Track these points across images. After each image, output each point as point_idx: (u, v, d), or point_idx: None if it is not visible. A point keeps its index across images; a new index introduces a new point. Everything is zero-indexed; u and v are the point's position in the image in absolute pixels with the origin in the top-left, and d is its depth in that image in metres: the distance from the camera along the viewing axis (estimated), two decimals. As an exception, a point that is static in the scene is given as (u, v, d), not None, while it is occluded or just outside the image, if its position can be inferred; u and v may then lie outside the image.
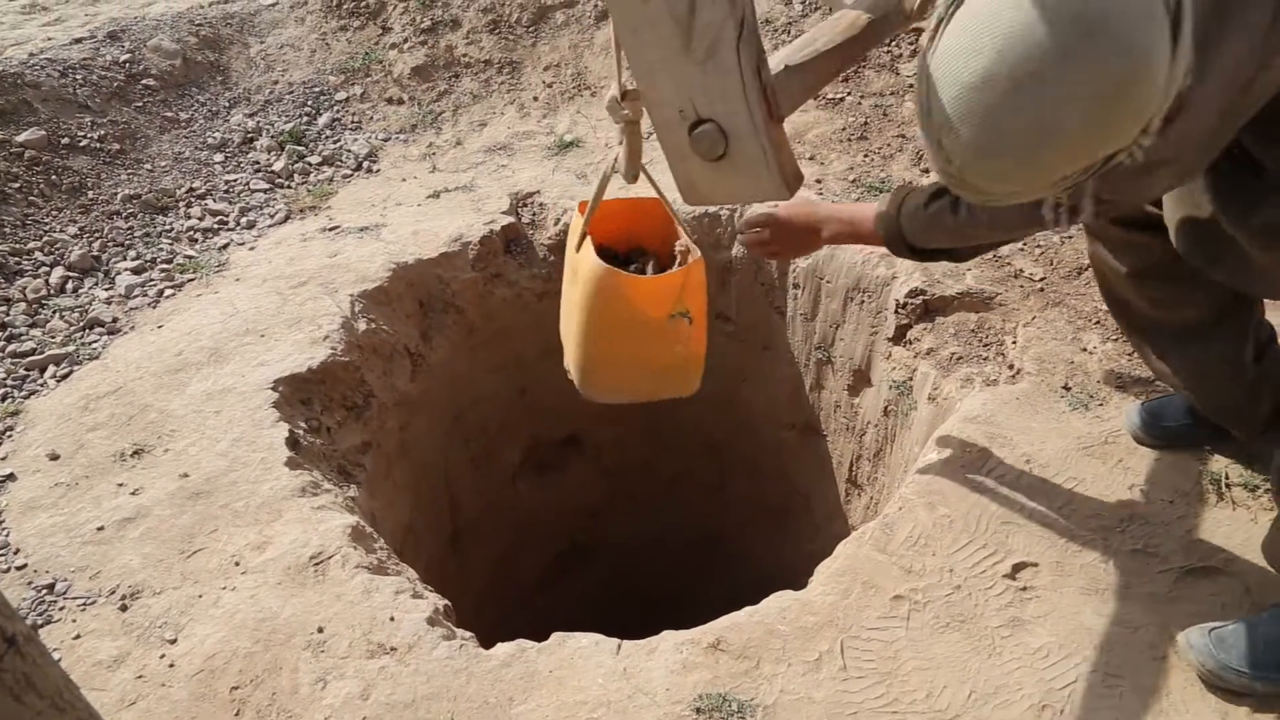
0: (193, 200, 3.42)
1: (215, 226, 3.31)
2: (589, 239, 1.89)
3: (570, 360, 2.09)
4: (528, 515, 3.51)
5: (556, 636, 1.76)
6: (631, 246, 2.15)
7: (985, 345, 2.35)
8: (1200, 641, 1.58)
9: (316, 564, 1.89)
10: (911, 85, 3.29)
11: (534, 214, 3.19)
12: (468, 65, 4.09)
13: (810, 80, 1.32)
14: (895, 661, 1.64)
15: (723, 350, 3.18)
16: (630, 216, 2.13)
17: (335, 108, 4.00)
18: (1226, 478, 1.89)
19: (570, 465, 3.56)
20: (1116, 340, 2.23)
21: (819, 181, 2.95)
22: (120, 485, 2.13)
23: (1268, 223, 1.34)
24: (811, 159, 3.07)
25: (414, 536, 2.73)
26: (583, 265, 1.92)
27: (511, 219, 3.12)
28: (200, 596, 1.84)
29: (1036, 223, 1.36)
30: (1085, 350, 2.23)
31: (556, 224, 3.13)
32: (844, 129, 3.16)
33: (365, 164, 3.71)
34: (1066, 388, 2.13)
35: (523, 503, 3.47)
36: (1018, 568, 1.78)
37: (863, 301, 2.65)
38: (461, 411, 3.07)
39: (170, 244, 3.15)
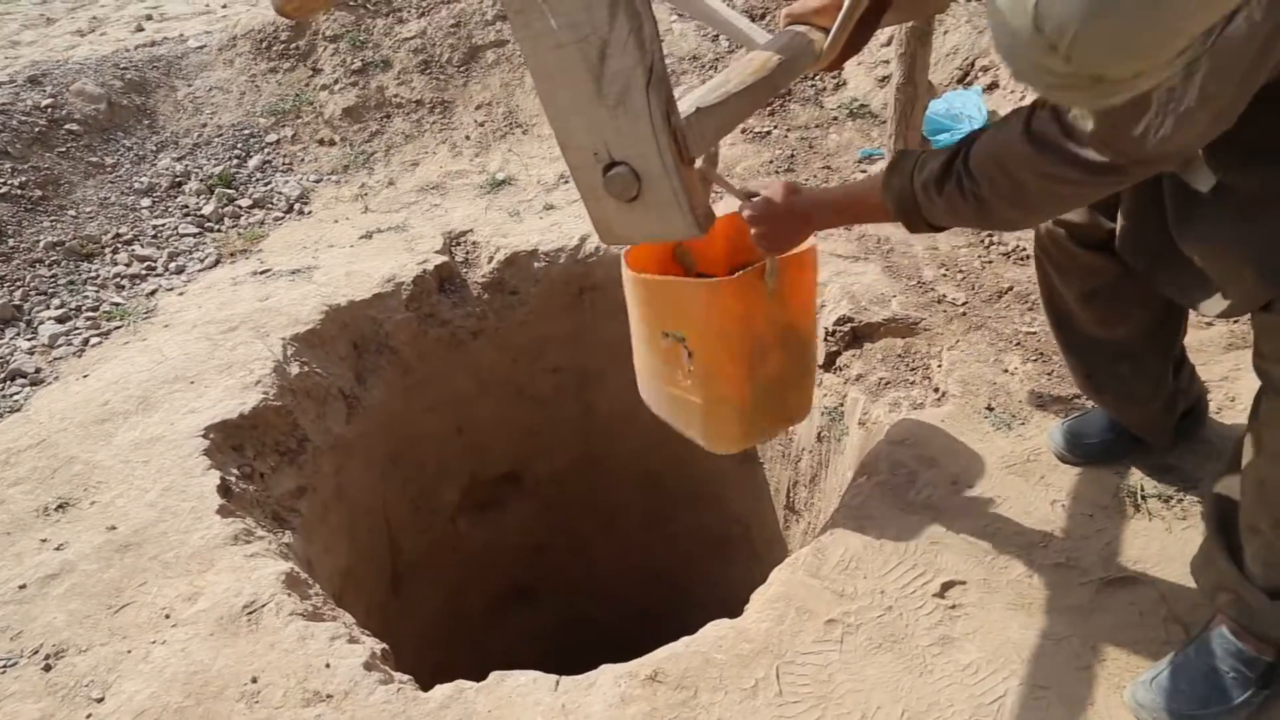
0: (119, 246, 3.37)
1: (143, 272, 3.27)
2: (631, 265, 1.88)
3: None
4: (469, 554, 3.49)
5: (495, 676, 1.76)
6: (733, 257, 2.09)
7: (912, 370, 2.41)
8: (1146, 697, 1.59)
9: (250, 613, 1.87)
10: (835, 118, 3.39)
11: (467, 253, 3.20)
12: (399, 105, 4.10)
13: (721, 122, 1.36)
14: (830, 685, 1.66)
15: (659, 382, 3.21)
16: (734, 232, 2.04)
17: (266, 150, 3.98)
18: (1142, 490, 1.96)
19: (510, 502, 3.56)
20: (1036, 361, 2.31)
21: (747, 214, 3.01)
22: (44, 541, 2.08)
23: (1205, 234, 1.40)
24: (740, 192, 3.13)
25: (353, 580, 2.70)
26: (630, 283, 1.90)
27: (445, 258, 3.13)
28: (129, 652, 1.81)
29: (1055, 201, 1.33)
30: (1007, 371, 2.29)
31: (490, 262, 3.15)
32: (771, 161, 3.23)
33: (297, 206, 3.69)
34: (990, 408, 2.19)
35: (464, 542, 3.45)
36: (946, 586, 1.82)
37: (793, 330, 2.70)
38: (398, 452, 3.06)
39: (96, 291, 3.10)
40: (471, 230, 3.25)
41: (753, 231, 1.75)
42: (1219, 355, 2.28)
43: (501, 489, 3.54)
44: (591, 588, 3.85)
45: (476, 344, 3.16)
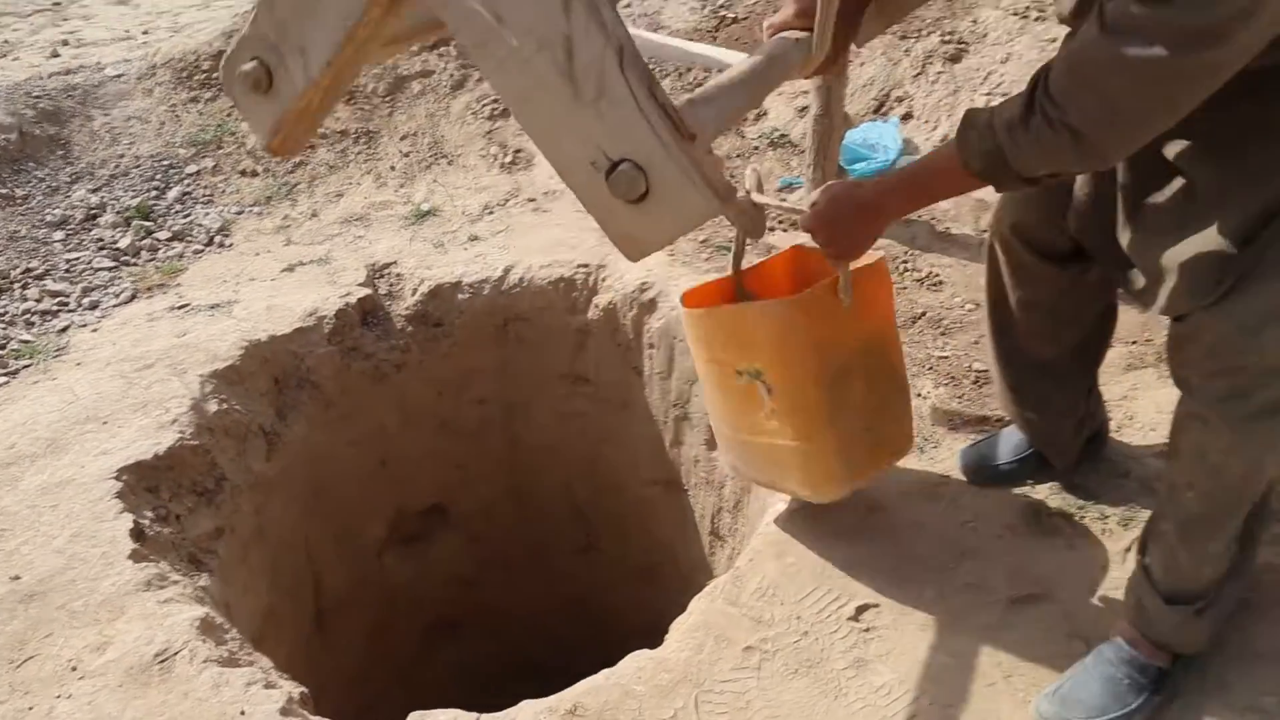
0: (29, 281, 3.29)
1: (54, 308, 3.19)
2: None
3: None
4: (396, 589, 3.45)
5: (414, 716, 1.74)
6: None
7: (829, 396, 2.45)
8: (1049, 709, 1.64)
9: (161, 661, 1.83)
10: (756, 147, 3.45)
11: (391, 285, 3.19)
12: (323, 136, 4.07)
13: (718, 110, 1.31)
14: (747, 712, 1.68)
15: (583, 411, 3.23)
16: (774, 275, 1.96)
17: (186, 181, 3.92)
18: (1046, 509, 2.02)
19: (437, 535, 3.53)
20: (948, 385, 2.37)
21: (671, 250, 3.05)
22: (-56, 591, 2.01)
23: (1144, 232, 1.46)
24: (662, 222, 3.17)
25: (275, 621, 2.65)
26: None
27: (368, 290, 3.12)
28: (31, 709, 1.75)
29: (1153, 105, 1.21)
30: (919, 395, 2.35)
31: (414, 294, 3.14)
32: (692, 192, 3.28)
33: (217, 239, 3.64)
34: (903, 433, 2.25)
35: (390, 577, 3.41)
36: (861, 610, 1.86)
37: (714, 358, 2.73)
38: (321, 488, 3.02)
39: (3, 329, 3.02)
40: (395, 262, 3.23)
41: (819, 239, 1.60)
42: (1119, 375, 2.37)
43: (427, 522, 3.51)
44: (520, 620, 3.83)
45: (400, 377, 3.14)
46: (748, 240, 1.69)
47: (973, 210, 2.93)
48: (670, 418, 2.97)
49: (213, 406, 2.60)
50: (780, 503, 2.13)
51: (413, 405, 3.24)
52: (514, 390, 3.28)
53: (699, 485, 2.98)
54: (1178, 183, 1.42)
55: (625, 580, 3.61)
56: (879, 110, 3.37)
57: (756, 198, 1.69)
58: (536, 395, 3.28)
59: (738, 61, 1.56)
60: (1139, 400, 2.29)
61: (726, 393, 1.76)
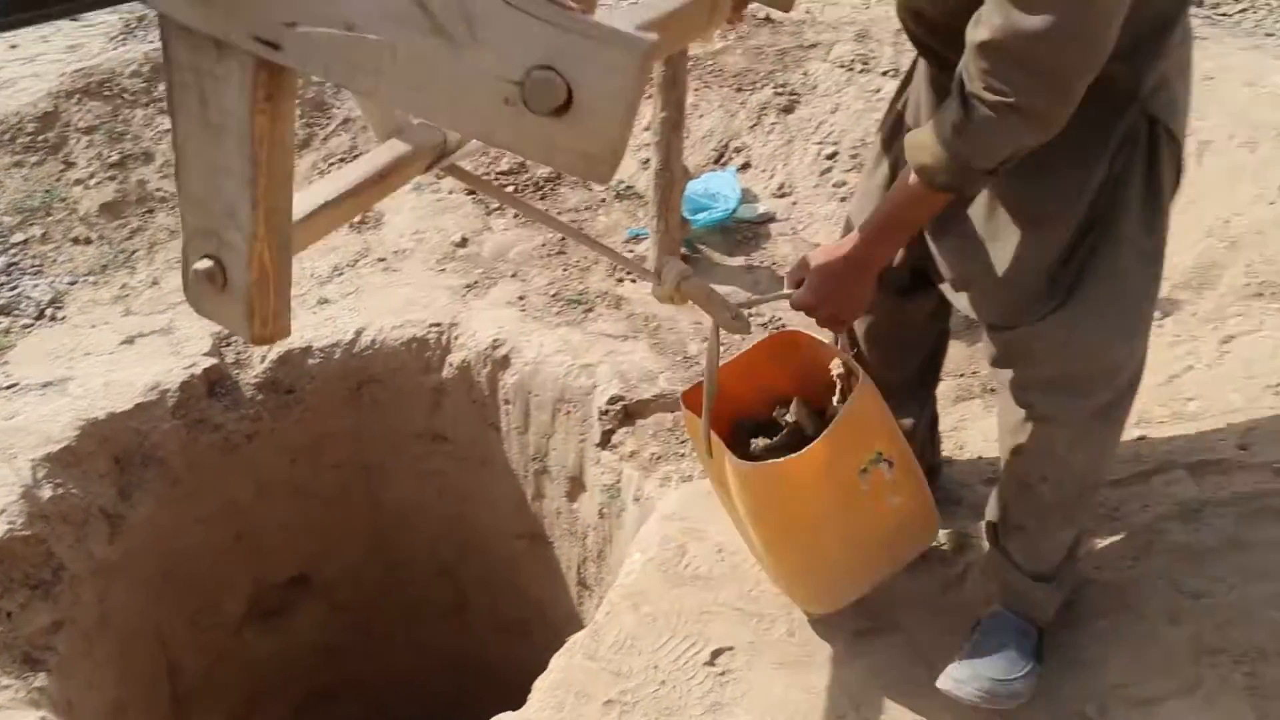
0: None
1: None
2: (715, 439, 1.70)
3: (780, 578, 1.92)
4: (260, 665, 3.33)
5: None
6: (770, 401, 1.89)
7: (682, 443, 2.53)
8: (962, 674, 1.73)
9: (-8, 772, 1.73)
10: (603, 200, 3.53)
11: (238, 353, 3.11)
12: (163, 200, 3.95)
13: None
14: (608, 767, 1.71)
15: (443, 470, 3.21)
16: (755, 370, 1.87)
17: (11, 251, 3.73)
18: (886, 542, 2.13)
19: (300, 606, 3.43)
20: (790, 426, 2.47)
21: (521, 298, 3.09)
22: None
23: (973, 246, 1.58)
24: (514, 276, 3.21)
25: (125, 715, 2.53)
26: (728, 474, 1.70)
27: (214, 360, 3.03)
28: None
29: (1081, 48, 1.24)
30: (765, 438, 2.45)
31: (263, 361, 3.07)
32: (543, 245, 3.33)
33: (49, 311, 3.47)
34: (751, 476, 2.33)
35: (252, 653, 3.30)
36: (716, 654, 1.92)
37: (569, 411, 2.78)
38: (172, 568, 2.91)
39: None
40: (241, 329, 3.15)
41: (821, 313, 1.59)
42: (949, 407, 2.52)
43: (290, 593, 3.42)
44: (394, 684, 3.75)
45: (252, 447, 3.06)
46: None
47: (809, 255, 3.07)
48: (530, 472, 2.99)
49: (46, 492, 2.48)
50: (635, 554, 2.17)
51: (267, 475, 3.16)
52: (371, 453, 3.24)
53: (563, 537, 3.00)
54: (997, 202, 1.56)
55: (498, 637, 3.59)
56: (718, 160, 3.50)
57: (741, 302, 1.69)
58: (395, 456, 3.24)
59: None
60: (967, 430, 2.45)
61: (850, 505, 1.70)
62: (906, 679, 1.85)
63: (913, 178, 1.42)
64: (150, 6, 1.03)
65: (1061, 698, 1.80)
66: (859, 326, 1.94)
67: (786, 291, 1.64)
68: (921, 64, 1.66)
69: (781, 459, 1.65)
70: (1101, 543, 2.02)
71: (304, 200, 1.26)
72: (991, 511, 1.83)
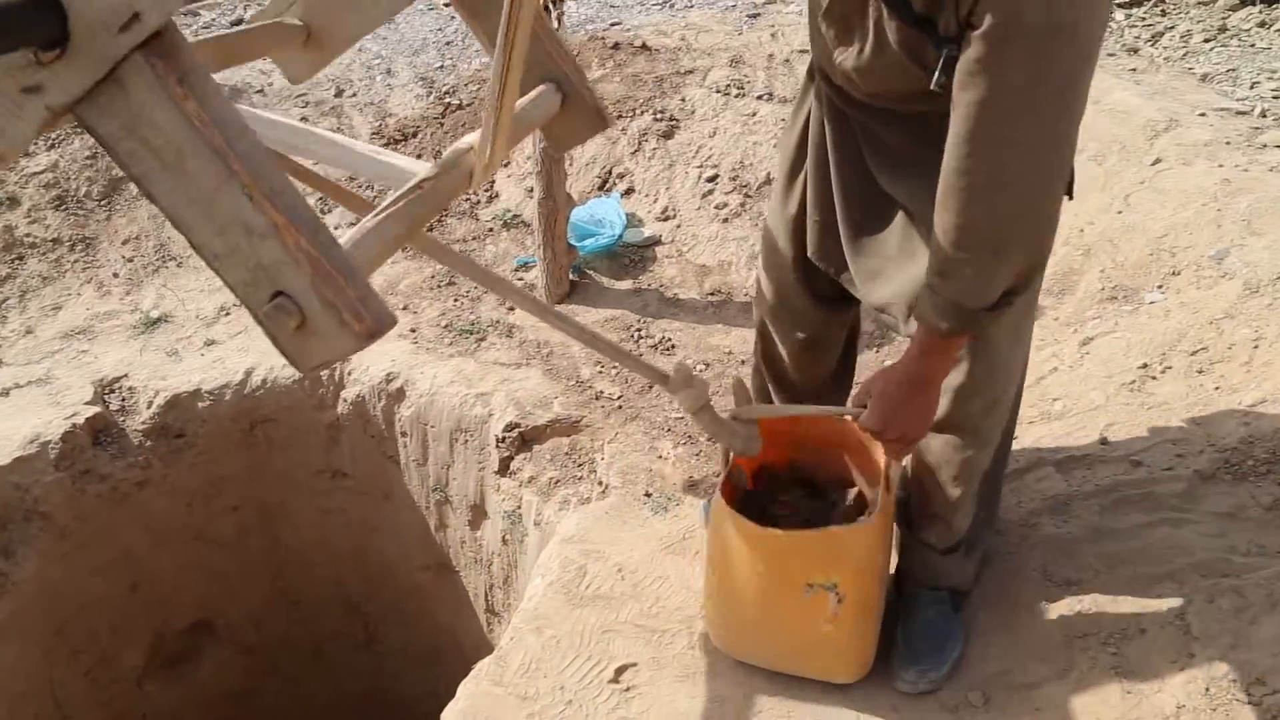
0: None
1: None
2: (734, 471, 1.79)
3: (706, 598, 1.96)
4: (164, 716, 3.25)
5: None
6: (833, 471, 1.95)
7: (579, 466, 2.58)
8: (908, 676, 1.84)
9: None
10: (491, 229, 3.57)
11: (124, 400, 3.04)
12: (33, 245, 3.82)
13: (379, 239, 1.34)
14: (518, 791, 1.74)
15: (344, 505, 3.20)
16: (834, 436, 1.89)
17: (-128, 306, 3.57)
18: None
19: (204, 652, 3.36)
20: (686, 444, 2.55)
21: (414, 330, 3.10)
22: None
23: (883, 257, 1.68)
24: (405, 308, 3.22)
25: (17, 780, 2.45)
26: (716, 502, 1.78)
27: (97, 408, 2.96)
28: None
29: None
30: (661, 457, 2.52)
31: (150, 407, 3.01)
32: (433, 276, 3.35)
33: (-84, 367, 3.33)
34: (648, 494, 2.40)
35: (154, 704, 3.22)
36: (620, 671, 1.96)
37: (467, 440, 2.80)
38: (64, 625, 2.82)
39: None
40: (126, 375, 3.09)
41: (890, 435, 1.56)
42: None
43: (192, 640, 3.34)
44: (306, 725, 3.70)
45: (144, 494, 2.99)
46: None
47: (696, 276, 3.16)
48: (432, 503, 3.00)
49: (-78, 557, 2.39)
50: (537, 578, 2.21)
51: (161, 522, 3.09)
52: (269, 492, 3.20)
53: (469, 565, 3.02)
54: (901, 215, 1.65)
55: (410, 668, 3.57)
56: (603, 187, 3.57)
57: (747, 413, 1.69)
58: (294, 495, 3.21)
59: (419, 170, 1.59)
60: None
61: (781, 603, 1.74)
62: (805, 682, 1.92)
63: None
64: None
65: (947, 688, 1.90)
66: (790, 341, 2.00)
67: (853, 410, 1.63)
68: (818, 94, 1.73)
69: (747, 522, 1.69)
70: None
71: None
72: (902, 496, 1.96)
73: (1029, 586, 1.98)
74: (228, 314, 3.38)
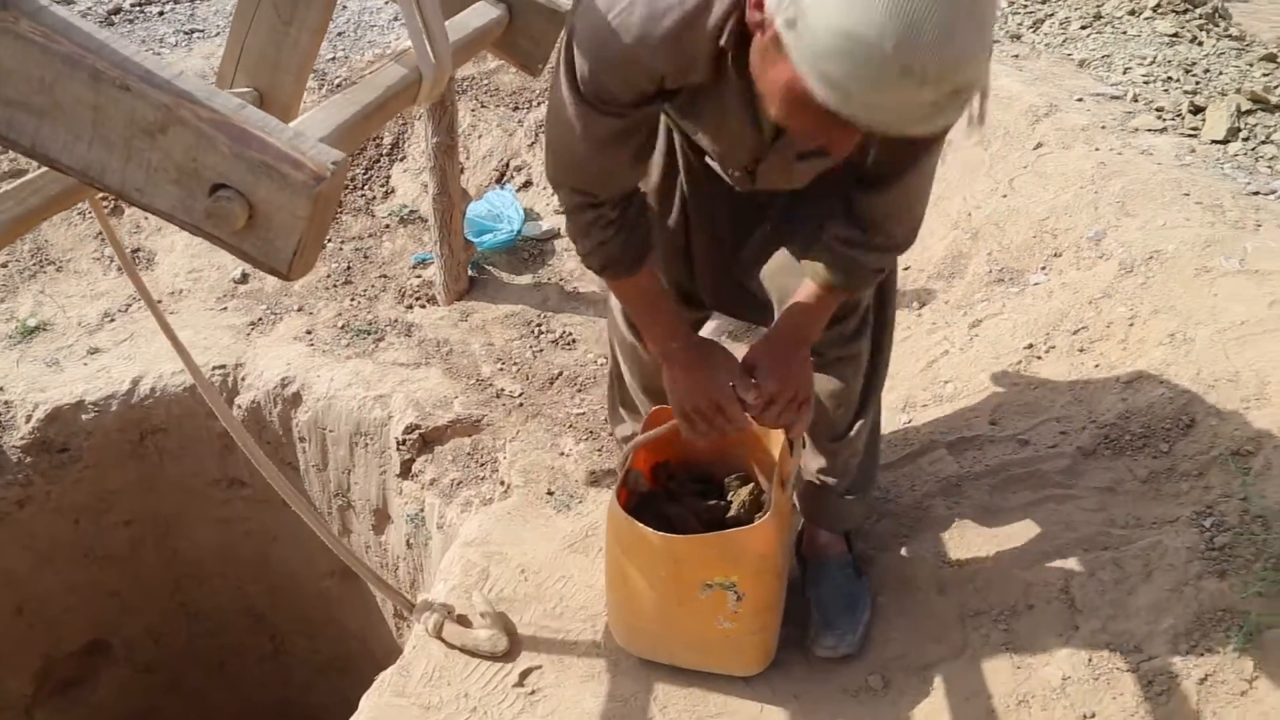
0: None
1: None
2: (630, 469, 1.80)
3: (607, 600, 1.95)
4: (57, 744, 3.13)
5: None
6: (730, 466, 2.00)
7: (481, 466, 2.55)
8: (829, 639, 1.89)
9: None
10: (388, 225, 3.50)
11: (-1, 415, 2.90)
12: (-101, 254, 3.61)
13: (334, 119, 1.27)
14: (422, 803, 1.72)
15: (245, 515, 3.11)
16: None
17: None
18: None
19: (100, 674, 3.24)
20: (588, 440, 2.54)
21: (309, 332, 3.02)
22: None
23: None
24: (300, 310, 3.13)
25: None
26: (610, 506, 1.76)
27: (-30, 425, 2.82)
28: None
29: None
30: (563, 454, 2.51)
31: (29, 421, 2.87)
32: (328, 275, 3.27)
33: None
34: (550, 493, 2.38)
35: (47, 732, 3.09)
36: (524, 674, 1.95)
37: (367, 444, 2.75)
38: (-59, 655, 2.69)
39: None
40: (1, 389, 2.94)
41: (787, 394, 1.60)
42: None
43: (87, 663, 3.22)
44: (212, 742, 3.60)
45: (26, 513, 2.86)
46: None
47: (596, 268, 3.15)
48: (334, 508, 2.93)
49: None
50: (439, 583, 2.18)
51: (46, 541, 2.96)
52: (163, 505, 3.09)
53: (375, 569, 2.96)
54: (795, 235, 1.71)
55: (320, 676, 3.50)
56: (500, 180, 3.53)
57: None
58: (190, 506, 3.11)
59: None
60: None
61: (680, 603, 1.75)
62: (710, 676, 1.93)
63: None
64: None
65: (848, 672, 1.94)
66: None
67: (750, 399, 1.62)
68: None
69: (643, 527, 1.69)
70: (878, 525, 2.19)
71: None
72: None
73: (924, 569, 2.03)
74: (112, 320, 3.24)
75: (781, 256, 1.75)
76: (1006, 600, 1.90)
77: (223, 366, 2.94)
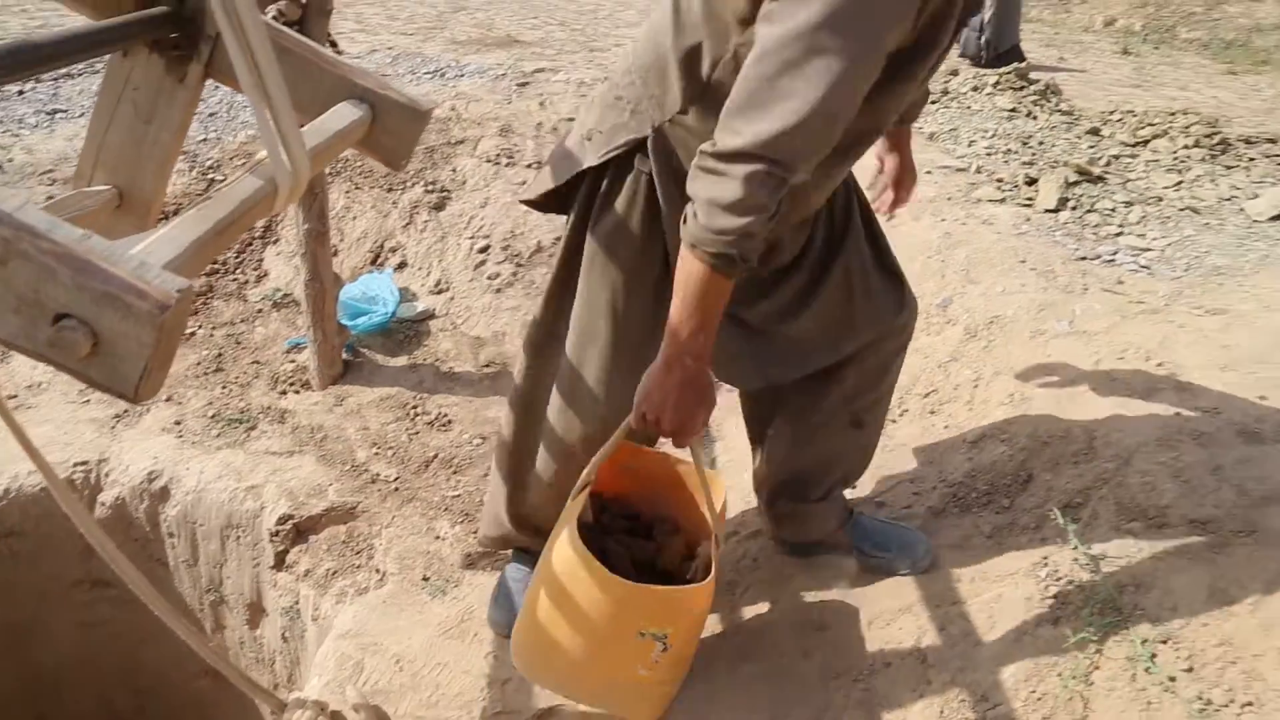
0: None
1: None
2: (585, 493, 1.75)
3: (522, 619, 1.84)
4: None
5: None
6: (658, 510, 2.00)
7: (357, 554, 2.53)
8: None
9: None
10: (260, 310, 3.47)
11: None
12: None
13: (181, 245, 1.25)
14: None
15: (109, 617, 3.00)
16: (665, 476, 1.94)
17: None
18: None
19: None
20: (463, 522, 2.55)
21: (178, 423, 2.96)
22: None
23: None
24: (169, 400, 3.07)
25: None
26: (561, 523, 1.73)
27: None
28: None
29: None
30: (439, 538, 2.51)
31: None
32: (199, 363, 3.21)
33: None
34: (425, 578, 2.38)
35: None
36: (400, 767, 1.94)
37: (239, 537, 2.69)
38: None
39: None
40: None
41: (663, 425, 1.49)
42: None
43: (-64, 785, 3.02)
44: None
45: None
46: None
47: (471, 348, 3.19)
48: (206, 604, 2.85)
49: None
50: (314, 678, 2.15)
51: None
52: (19, 610, 2.95)
53: (250, 666, 2.88)
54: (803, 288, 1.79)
55: (196, 780, 3.35)
56: (375, 261, 3.55)
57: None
58: (50, 610, 2.98)
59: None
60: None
61: (612, 646, 1.73)
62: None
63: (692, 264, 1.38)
64: None
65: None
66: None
67: (625, 425, 1.59)
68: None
69: (598, 564, 1.65)
70: (743, 593, 2.25)
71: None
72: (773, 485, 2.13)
73: (788, 634, 2.10)
74: (-36, 420, 3.11)
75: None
76: (865, 660, 1.98)
77: (84, 463, 2.85)
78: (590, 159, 1.66)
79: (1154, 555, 1.91)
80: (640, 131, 1.59)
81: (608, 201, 1.67)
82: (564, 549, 1.69)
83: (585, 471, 1.74)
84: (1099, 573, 1.91)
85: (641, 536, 2.02)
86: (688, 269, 1.38)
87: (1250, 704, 1.59)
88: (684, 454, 1.76)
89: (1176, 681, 1.67)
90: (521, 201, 1.91)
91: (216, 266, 3.65)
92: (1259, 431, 2.12)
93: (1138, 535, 1.97)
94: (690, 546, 1.97)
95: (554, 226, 3.52)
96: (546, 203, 1.84)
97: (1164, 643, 1.73)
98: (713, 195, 1.31)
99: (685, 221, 1.37)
